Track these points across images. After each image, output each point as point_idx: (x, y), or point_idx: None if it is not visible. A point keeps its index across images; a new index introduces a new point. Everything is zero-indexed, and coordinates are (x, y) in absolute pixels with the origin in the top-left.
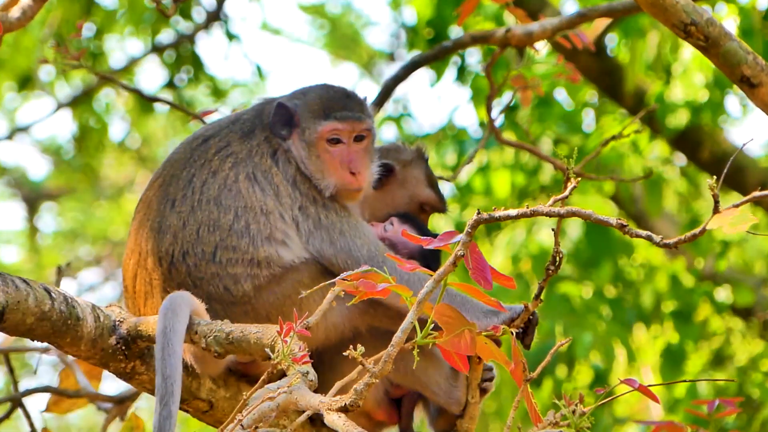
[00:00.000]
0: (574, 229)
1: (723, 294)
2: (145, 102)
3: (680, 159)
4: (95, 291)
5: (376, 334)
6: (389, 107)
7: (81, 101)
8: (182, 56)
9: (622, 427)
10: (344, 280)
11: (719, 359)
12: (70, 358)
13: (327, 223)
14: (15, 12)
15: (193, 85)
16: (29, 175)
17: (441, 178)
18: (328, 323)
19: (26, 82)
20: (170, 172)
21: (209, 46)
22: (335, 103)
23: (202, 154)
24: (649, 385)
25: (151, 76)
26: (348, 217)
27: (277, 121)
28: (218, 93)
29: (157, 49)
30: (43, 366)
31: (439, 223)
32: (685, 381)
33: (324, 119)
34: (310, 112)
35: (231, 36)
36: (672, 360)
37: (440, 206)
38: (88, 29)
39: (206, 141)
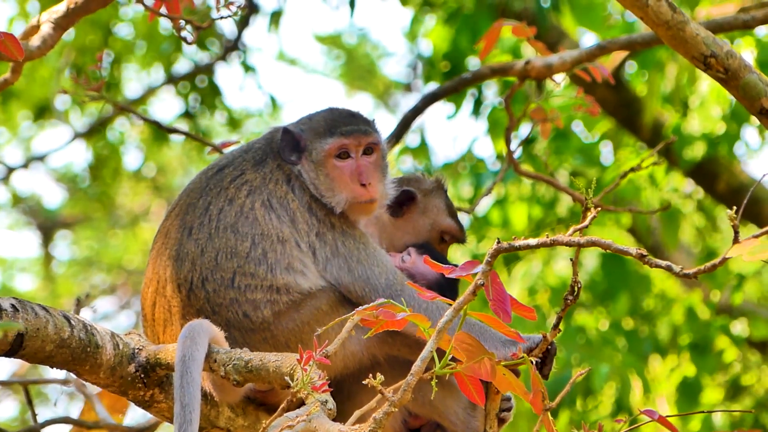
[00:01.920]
0: (590, 260)
1: (739, 327)
2: (159, 132)
3: (696, 191)
4: (110, 320)
5: (394, 364)
6: (408, 139)
7: (96, 131)
8: (199, 86)
9: None
10: (363, 310)
11: (735, 392)
12: (91, 390)
13: (344, 251)
14: (35, 41)
15: (210, 115)
16: (44, 204)
17: (459, 209)
18: (346, 352)
19: (42, 112)
20: (186, 201)
21: (226, 76)
22: (339, 120)
23: (217, 183)
24: (666, 416)
25: (166, 106)
26: (366, 244)
27: (285, 146)
28: (234, 123)
29: (174, 79)
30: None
31: (455, 254)
32: (702, 412)
33: (329, 137)
34: (315, 134)
35: (247, 67)
36: (688, 392)
37: (460, 236)
38: (105, 58)
39: (221, 170)
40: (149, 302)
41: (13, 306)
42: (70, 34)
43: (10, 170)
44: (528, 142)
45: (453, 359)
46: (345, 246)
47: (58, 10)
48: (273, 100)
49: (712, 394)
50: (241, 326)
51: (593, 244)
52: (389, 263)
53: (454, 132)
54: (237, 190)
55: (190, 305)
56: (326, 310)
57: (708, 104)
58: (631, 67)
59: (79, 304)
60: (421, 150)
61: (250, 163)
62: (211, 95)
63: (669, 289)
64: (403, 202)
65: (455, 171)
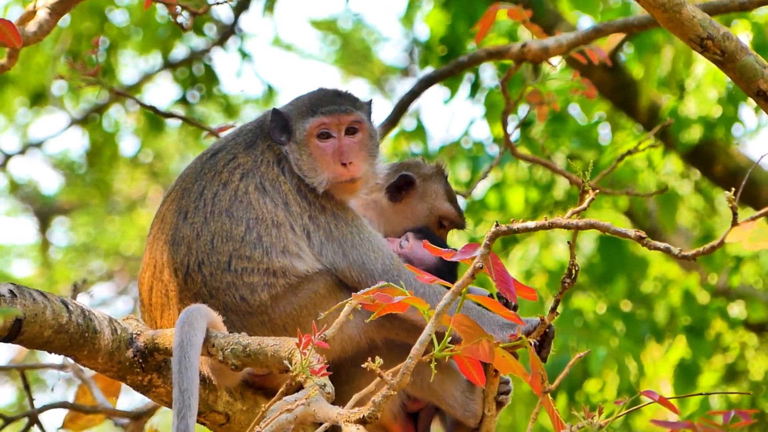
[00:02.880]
0: (588, 243)
1: (736, 309)
2: (155, 120)
3: (693, 173)
4: (108, 306)
5: (392, 347)
6: (405, 122)
7: (92, 117)
8: (196, 73)
9: None
10: (361, 295)
11: (732, 374)
12: (87, 374)
13: (338, 234)
14: (32, 26)
15: (206, 102)
16: (41, 190)
17: (456, 193)
18: (344, 335)
19: (38, 99)
20: (182, 186)
21: (222, 62)
22: (322, 99)
23: (211, 167)
24: (665, 398)
25: (162, 92)
26: (360, 228)
27: (274, 127)
28: (230, 109)
29: (170, 65)
30: (57, 380)
31: (452, 238)
32: (699, 394)
33: (310, 116)
34: (299, 114)
35: (244, 54)
36: (685, 375)
37: (459, 221)
38: (101, 45)
39: (215, 155)
40: (146, 287)
41: (11, 291)
42: (65, 21)
43: (8, 157)
44: (525, 125)
45: (452, 342)
46: (338, 230)
47: None
48: (270, 87)
49: (709, 376)
50: (238, 310)
51: (592, 226)
52: (386, 248)
53: (451, 116)
54: (230, 174)
55: (187, 289)
56: (323, 293)
57: (704, 87)
58: (628, 49)
59: (76, 289)
60: (418, 133)
61: (241, 146)
62: (208, 82)
63: (667, 272)
64: (402, 187)
65: (451, 154)
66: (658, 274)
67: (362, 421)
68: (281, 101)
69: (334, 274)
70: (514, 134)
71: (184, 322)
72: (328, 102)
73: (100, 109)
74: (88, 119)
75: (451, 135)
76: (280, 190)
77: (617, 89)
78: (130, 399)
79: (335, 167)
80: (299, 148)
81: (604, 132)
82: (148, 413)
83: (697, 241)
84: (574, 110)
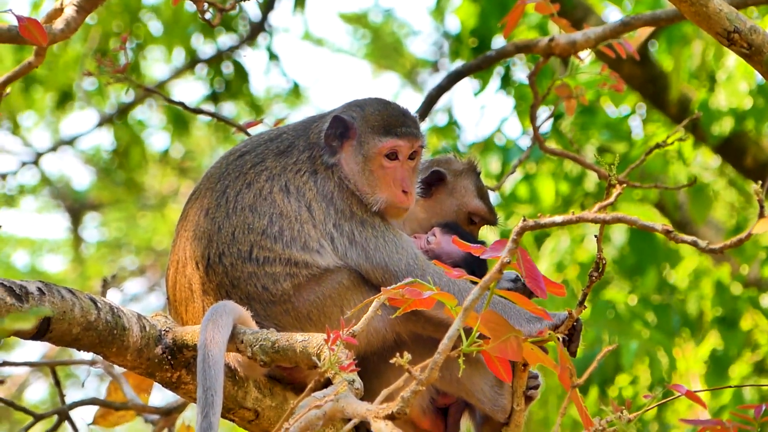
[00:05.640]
0: (619, 236)
1: None
2: (181, 118)
3: (727, 167)
4: (139, 301)
5: (418, 341)
6: (435, 117)
7: (120, 117)
8: (225, 71)
9: None
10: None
11: (764, 368)
12: (118, 370)
13: (361, 239)
14: (59, 24)
15: (235, 99)
16: (73, 185)
17: (486, 187)
18: (370, 329)
19: (66, 99)
20: (206, 186)
21: (251, 59)
22: (395, 119)
23: (237, 168)
24: (695, 391)
25: (190, 91)
26: (385, 231)
27: (332, 133)
28: (256, 108)
29: (199, 62)
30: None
31: (483, 232)
32: (729, 387)
33: (385, 135)
34: (369, 127)
35: (272, 54)
36: (717, 367)
37: (490, 217)
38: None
39: (242, 156)
40: (171, 284)
41: (39, 289)
42: (93, 19)
43: (39, 155)
44: (554, 119)
45: (480, 336)
46: (361, 235)
47: None
48: (296, 86)
49: (741, 368)
50: (261, 299)
51: (619, 220)
52: (410, 248)
53: (481, 109)
54: (257, 176)
55: (209, 281)
56: (348, 285)
57: (735, 79)
58: (657, 43)
59: (106, 285)
60: (449, 129)
61: (273, 152)
62: (237, 80)
63: (700, 265)
64: (432, 182)
65: (483, 148)
66: (691, 268)
67: (391, 417)
68: (310, 99)
69: (357, 270)
70: (544, 127)
71: (209, 320)
72: (401, 123)
73: (126, 108)
74: (117, 116)
75: (482, 130)
76: (305, 196)
77: (647, 82)
78: (161, 395)
79: (396, 192)
80: (363, 161)
81: (635, 124)
82: (178, 409)
83: (728, 233)
84: (605, 103)
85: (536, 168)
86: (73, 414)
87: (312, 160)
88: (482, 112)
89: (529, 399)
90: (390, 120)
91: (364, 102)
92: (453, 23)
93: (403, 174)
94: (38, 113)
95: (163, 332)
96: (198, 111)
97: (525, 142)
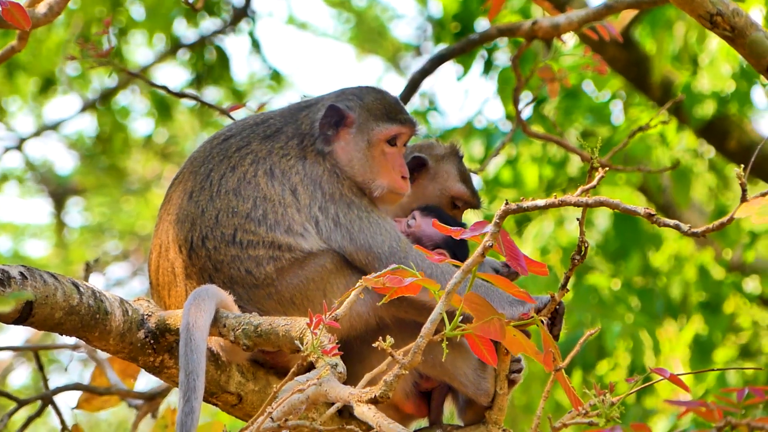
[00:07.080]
0: (603, 220)
1: (751, 285)
2: (164, 104)
3: (708, 150)
4: (123, 286)
5: (401, 325)
6: (416, 101)
7: (103, 102)
8: (206, 55)
9: (653, 418)
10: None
11: (748, 352)
12: (102, 356)
13: (345, 221)
14: (42, 8)
15: (217, 84)
16: (56, 170)
17: (468, 170)
18: (352, 313)
19: (49, 84)
20: (190, 169)
21: (233, 44)
22: (395, 106)
23: (221, 152)
24: (679, 374)
25: (172, 76)
26: (370, 213)
27: (327, 122)
28: (238, 95)
29: (181, 47)
30: (72, 362)
31: (467, 216)
32: (713, 370)
33: (388, 121)
34: (371, 114)
35: (254, 41)
36: (701, 351)
37: (473, 201)
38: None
39: (227, 140)
40: (153, 268)
41: (21, 274)
42: (76, 4)
43: (22, 140)
44: (537, 102)
45: (463, 320)
46: (346, 217)
47: None
48: (277, 73)
49: (725, 352)
50: (244, 283)
51: (601, 204)
52: (393, 230)
53: (465, 93)
54: (241, 159)
55: (192, 265)
56: (331, 268)
57: (718, 62)
58: (641, 26)
59: (89, 269)
60: (431, 113)
61: (259, 136)
62: (219, 65)
63: (683, 249)
64: (414, 168)
65: (465, 132)
66: (673, 251)
67: (374, 401)
68: (296, 79)
69: (341, 253)
70: (527, 111)
71: (191, 304)
72: (401, 110)
73: (109, 94)
74: (96, 105)
75: (464, 114)
76: (290, 179)
77: (630, 65)
78: (145, 380)
79: (396, 178)
80: (366, 148)
81: (616, 109)
82: (161, 394)
83: (711, 217)
84: (588, 87)
85: (519, 152)
86: (57, 399)
87: (302, 148)
88: (466, 95)
89: (512, 383)
90: (390, 107)
91: (359, 90)
92: (436, 7)
93: (401, 160)
94: (22, 98)
95: (145, 316)
96: (181, 95)
97: (507, 127)
